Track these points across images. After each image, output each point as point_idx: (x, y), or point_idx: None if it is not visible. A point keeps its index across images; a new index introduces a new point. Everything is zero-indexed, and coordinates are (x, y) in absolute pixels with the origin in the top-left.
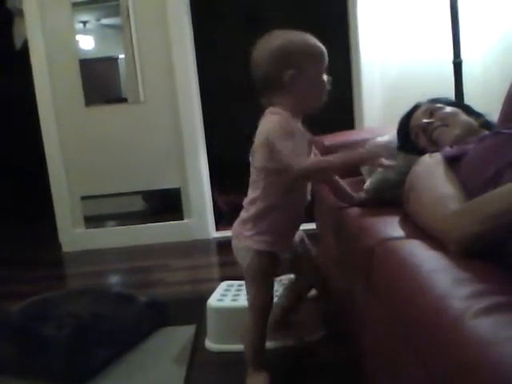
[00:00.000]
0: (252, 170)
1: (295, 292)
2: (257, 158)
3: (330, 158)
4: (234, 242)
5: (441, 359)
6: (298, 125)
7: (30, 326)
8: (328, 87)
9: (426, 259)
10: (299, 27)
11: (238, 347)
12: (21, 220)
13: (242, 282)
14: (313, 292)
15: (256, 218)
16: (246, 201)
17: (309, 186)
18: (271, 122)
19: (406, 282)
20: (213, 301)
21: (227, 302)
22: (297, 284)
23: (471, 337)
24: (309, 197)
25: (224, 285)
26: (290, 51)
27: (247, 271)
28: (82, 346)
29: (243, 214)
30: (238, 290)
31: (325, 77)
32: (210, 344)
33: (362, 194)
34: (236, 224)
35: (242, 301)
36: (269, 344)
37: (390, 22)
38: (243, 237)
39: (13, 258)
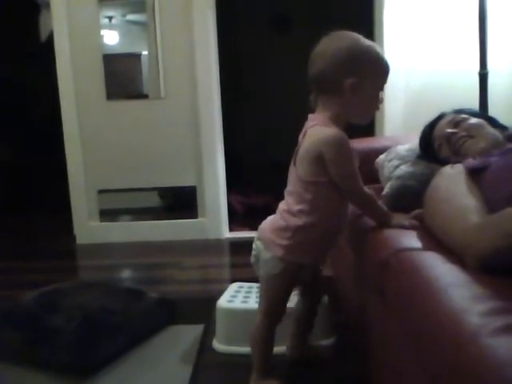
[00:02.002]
0: (294, 179)
1: (306, 305)
2: (306, 171)
3: (378, 203)
4: (259, 246)
5: (455, 377)
6: None
7: (39, 315)
8: (379, 106)
9: (443, 272)
10: (323, 31)
11: (246, 350)
12: (38, 211)
13: (253, 284)
14: (324, 299)
15: (297, 231)
16: (282, 208)
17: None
18: (326, 136)
19: (421, 296)
20: (223, 302)
21: (237, 304)
22: (308, 298)
23: (487, 355)
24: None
25: (234, 286)
26: (358, 58)
27: (272, 280)
28: (89, 339)
29: (280, 222)
30: (248, 292)
31: (381, 94)
32: (217, 345)
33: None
34: (268, 230)
35: (252, 303)
36: (278, 349)
37: (417, 28)
38: (276, 245)
39: (27, 249)
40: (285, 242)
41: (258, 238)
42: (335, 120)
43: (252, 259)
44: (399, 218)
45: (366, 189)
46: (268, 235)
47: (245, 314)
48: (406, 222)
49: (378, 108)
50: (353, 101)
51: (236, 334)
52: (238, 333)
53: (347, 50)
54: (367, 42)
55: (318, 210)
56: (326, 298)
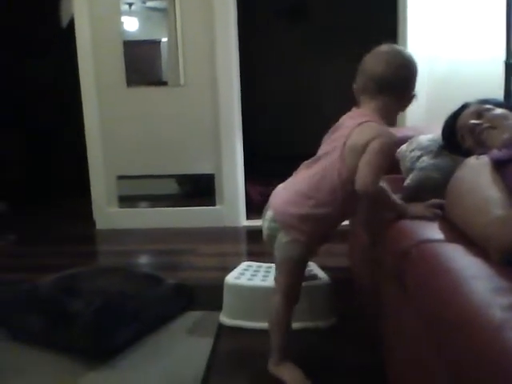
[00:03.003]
0: (329, 167)
1: None
2: (347, 159)
3: (393, 197)
4: (274, 227)
5: (476, 371)
6: None
7: (58, 299)
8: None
9: (466, 265)
10: (347, 18)
11: (250, 324)
12: (60, 196)
13: (262, 264)
14: (326, 279)
15: (320, 219)
16: (304, 192)
17: None
18: (376, 133)
19: (442, 288)
20: (230, 278)
21: (244, 281)
22: None
23: (510, 349)
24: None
25: (244, 265)
26: (415, 76)
27: (290, 262)
28: (107, 324)
29: (303, 210)
30: (256, 271)
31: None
32: (224, 318)
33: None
34: (288, 215)
35: (258, 281)
36: (295, 325)
37: (442, 14)
38: (297, 230)
39: (47, 234)
40: (307, 229)
41: (274, 220)
42: (383, 119)
43: (265, 238)
44: (416, 207)
45: (381, 185)
46: (288, 220)
47: (250, 290)
48: (427, 213)
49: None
50: (400, 107)
51: (241, 309)
52: (244, 308)
53: (412, 67)
54: (408, 53)
55: (334, 202)
56: (327, 279)
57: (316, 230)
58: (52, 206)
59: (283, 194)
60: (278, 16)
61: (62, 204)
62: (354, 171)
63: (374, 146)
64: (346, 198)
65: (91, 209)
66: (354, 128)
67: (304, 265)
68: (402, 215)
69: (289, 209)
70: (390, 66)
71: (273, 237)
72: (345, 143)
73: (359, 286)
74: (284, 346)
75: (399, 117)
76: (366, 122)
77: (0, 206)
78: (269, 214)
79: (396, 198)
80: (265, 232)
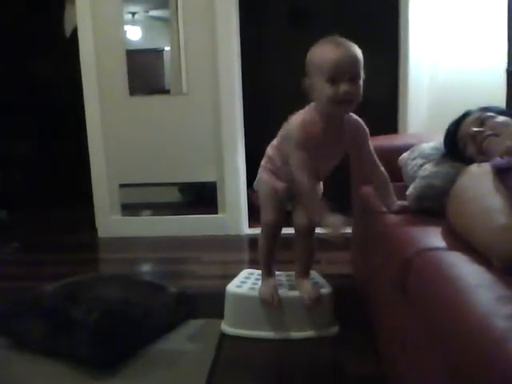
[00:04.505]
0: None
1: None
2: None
3: (311, 192)
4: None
5: (479, 380)
6: (329, 124)
7: (60, 307)
8: (338, 96)
9: (469, 273)
10: (348, 23)
11: (252, 333)
12: (61, 204)
13: (263, 277)
14: (328, 288)
15: (268, 164)
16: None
17: (318, 162)
18: (295, 122)
19: (445, 297)
20: (231, 287)
21: (245, 290)
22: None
23: None
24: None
25: (245, 272)
26: (307, 62)
27: (259, 195)
28: (109, 332)
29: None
30: (257, 279)
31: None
32: (225, 327)
33: (405, 203)
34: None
35: None
36: (298, 334)
37: (443, 21)
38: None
39: (50, 241)
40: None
41: None
42: (320, 111)
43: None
44: (335, 219)
45: (304, 176)
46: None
47: (251, 299)
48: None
49: (334, 98)
50: (315, 97)
51: (242, 318)
52: (245, 317)
53: (313, 50)
54: (319, 46)
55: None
56: (329, 289)
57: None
58: (54, 214)
59: None
60: (280, 23)
61: (65, 212)
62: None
63: (290, 146)
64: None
65: (93, 217)
66: None
67: (267, 197)
68: (316, 215)
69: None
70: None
71: None
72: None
73: (363, 294)
74: (264, 267)
75: (401, 124)
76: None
77: (0, 214)
78: None
79: (392, 201)
80: None
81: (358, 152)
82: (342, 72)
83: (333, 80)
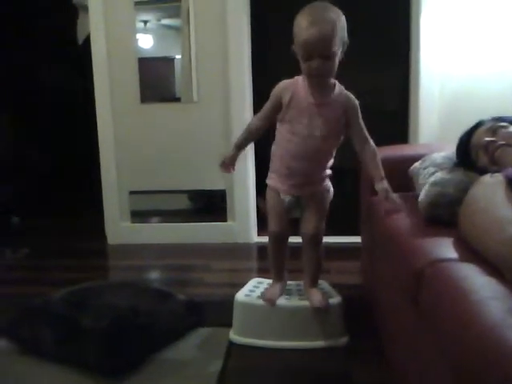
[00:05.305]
0: None
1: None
2: None
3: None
4: None
5: None
6: (314, 89)
7: (69, 314)
8: (311, 71)
9: (480, 285)
10: (359, 29)
11: (260, 342)
12: (72, 211)
13: (271, 281)
14: (338, 298)
15: (271, 160)
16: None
17: (311, 141)
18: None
19: (457, 308)
20: (240, 295)
21: (253, 299)
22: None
23: None
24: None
25: (254, 281)
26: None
27: (267, 203)
28: (117, 340)
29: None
30: (266, 288)
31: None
32: (233, 336)
33: (385, 184)
34: None
35: None
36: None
37: (454, 30)
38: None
39: (59, 248)
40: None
41: None
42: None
43: None
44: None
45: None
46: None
47: (260, 308)
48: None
49: (307, 72)
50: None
51: (251, 327)
52: (253, 326)
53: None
54: (300, 16)
55: (276, 141)
56: (339, 298)
57: (271, 169)
58: (64, 221)
59: None
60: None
61: (74, 218)
62: None
63: None
64: None
65: (103, 223)
66: None
67: (271, 205)
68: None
69: None
70: None
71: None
72: None
73: (373, 304)
74: (272, 271)
75: (412, 134)
76: None
77: (13, 220)
78: None
79: (379, 173)
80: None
81: (349, 126)
82: (313, 51)
83: (306, 57)
